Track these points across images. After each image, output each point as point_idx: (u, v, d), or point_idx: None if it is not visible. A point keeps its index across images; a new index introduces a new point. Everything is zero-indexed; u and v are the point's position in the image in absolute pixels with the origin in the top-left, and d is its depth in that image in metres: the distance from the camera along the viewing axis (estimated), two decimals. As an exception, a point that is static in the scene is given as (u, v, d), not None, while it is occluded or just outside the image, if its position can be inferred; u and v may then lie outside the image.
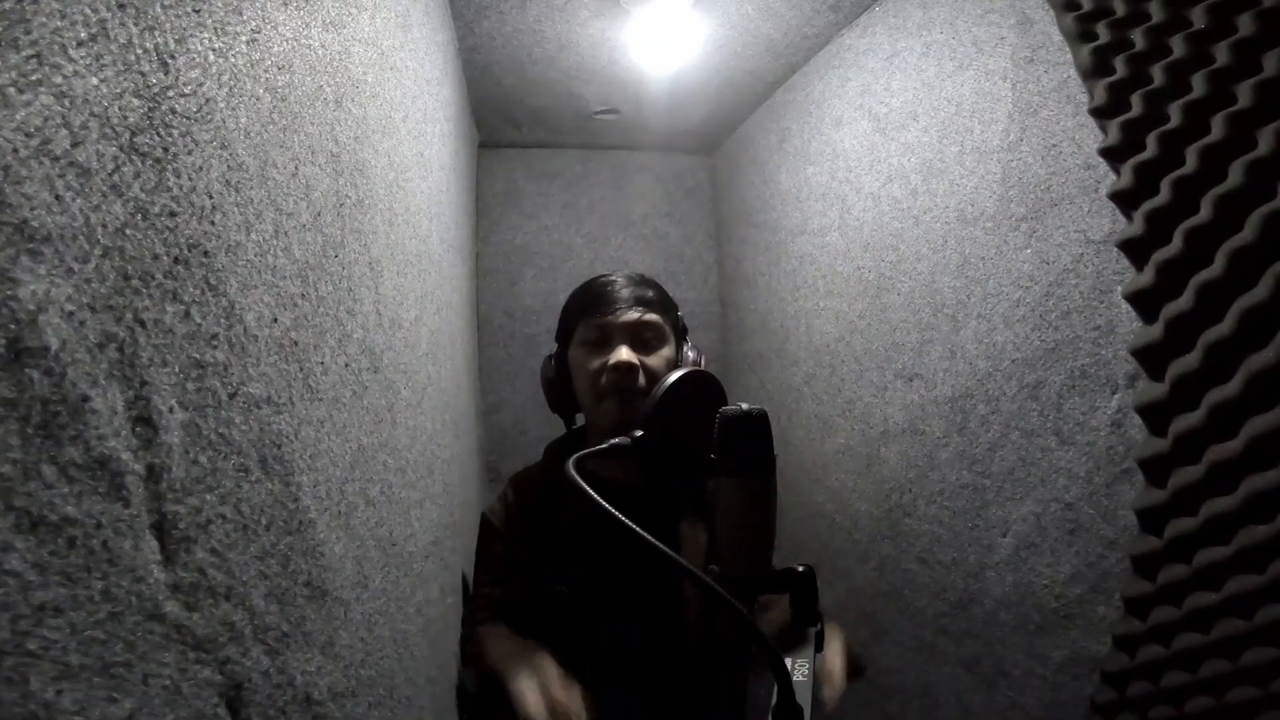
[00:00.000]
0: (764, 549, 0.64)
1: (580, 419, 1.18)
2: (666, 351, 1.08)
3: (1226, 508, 0.76)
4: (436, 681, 0.82)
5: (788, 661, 0.65)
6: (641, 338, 1.05)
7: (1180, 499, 0.81)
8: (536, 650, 0.92)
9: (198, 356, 0.35)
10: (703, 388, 0.74)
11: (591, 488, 0.90)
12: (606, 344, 1.05)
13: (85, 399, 0.27)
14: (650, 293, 1.10)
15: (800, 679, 0.63)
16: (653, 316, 1.07)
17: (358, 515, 0.59)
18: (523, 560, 1.09)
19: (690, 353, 1.13)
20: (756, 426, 0.61)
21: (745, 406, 0.62)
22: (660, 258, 2.43)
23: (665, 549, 0.55)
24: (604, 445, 0.69)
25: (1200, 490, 0.79)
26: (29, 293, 0.24)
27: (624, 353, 1.02)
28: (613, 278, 1.11)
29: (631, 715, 0.98)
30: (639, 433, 0.68)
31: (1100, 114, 0.91)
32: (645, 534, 0.55)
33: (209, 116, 0.37)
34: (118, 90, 0.29)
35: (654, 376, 1.03)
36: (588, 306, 1.08)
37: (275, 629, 0.40)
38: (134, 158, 0.30)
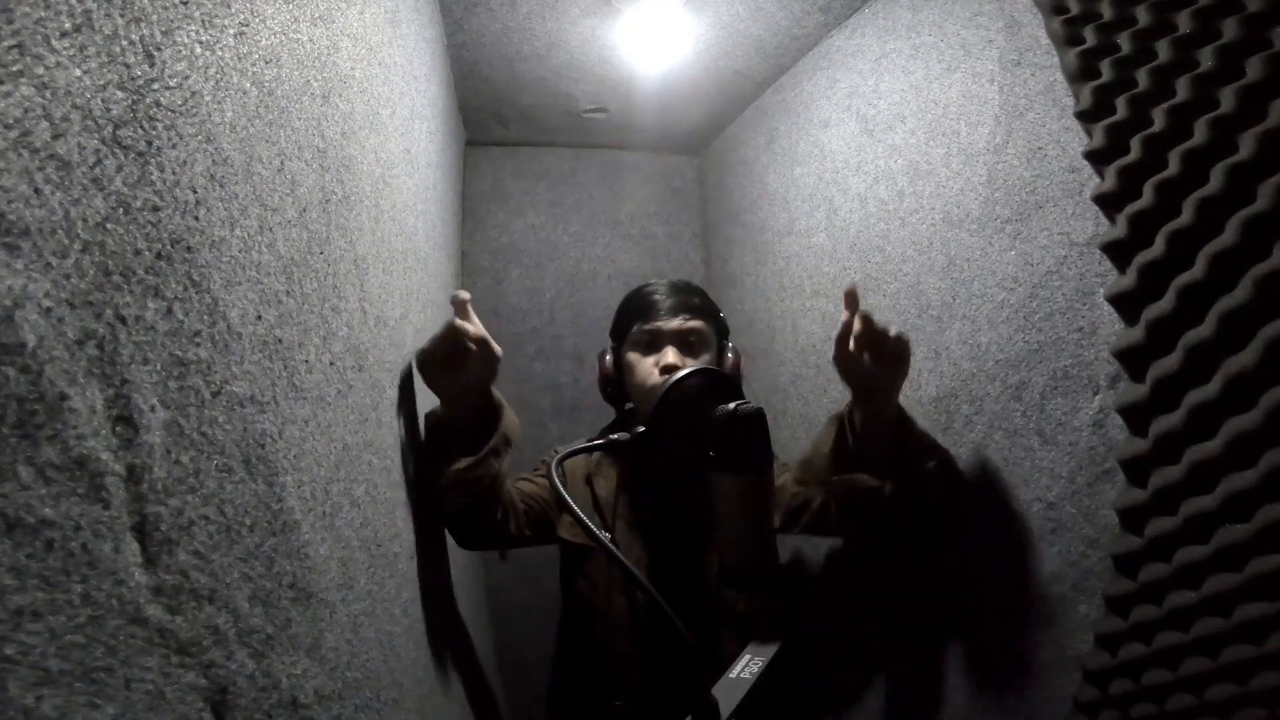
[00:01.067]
0: (762, 543, 0.64)
1: (628, 407, 1.31)
2: (708, 355, 1.22)
3: (1206, 507, 0.77)
4: (423, 683, 0.82)
5: (746, 655, 0.66)
6: (687, 342, 1.20)
7: (1160, 498, 0.82)
8: None
9: (180, 354, 0.34)
10: (714, 386, 0.75)
11: (635, 471, 1.18)
12: (656, 347, 1.20)
13: (63, 397, 0.26)
14: (695, 300, 1.25)
15: (744, 676, 0.64)
16: (697, 323, 1.22)
17: (342, 516, 0.58)
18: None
19: (730, 355, 1.27)
20: (753, 424, 0.61)
21: (742, 405, 0.62)
22: (647, 257, 2.43)
23: (614, 549, 0.57)
24: (598, 440, 0.69)
25: (1180, 490, 0.80)
26: (5, 288, 0.24)
27: (670, 355, 1.17)
28: (661, 287, 1.26)
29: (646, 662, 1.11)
30: (641, 429, 0.68)
31: (1085, 117, 0.92)
32: (601, 534, 0.57)
33: (194, 110, 0.36)
34: (101, 82, 0.29)
35: None
36: (640, 313, 1.23)
37: (260, 632, 0.40)
38: (116, 151, 0.30)
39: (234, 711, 0.36)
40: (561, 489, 0.59)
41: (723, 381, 0.77)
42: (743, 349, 2.14)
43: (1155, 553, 0.83)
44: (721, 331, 1.28)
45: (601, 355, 1.31)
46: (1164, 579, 0.82)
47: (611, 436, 0.70)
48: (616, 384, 1.27)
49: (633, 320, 1.24)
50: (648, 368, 1.18)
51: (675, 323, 1.20)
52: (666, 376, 1.11)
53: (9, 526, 0.23)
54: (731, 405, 0.62)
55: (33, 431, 0.25)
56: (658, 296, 1.23)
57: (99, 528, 0.28)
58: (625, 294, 1.33)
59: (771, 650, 0.68)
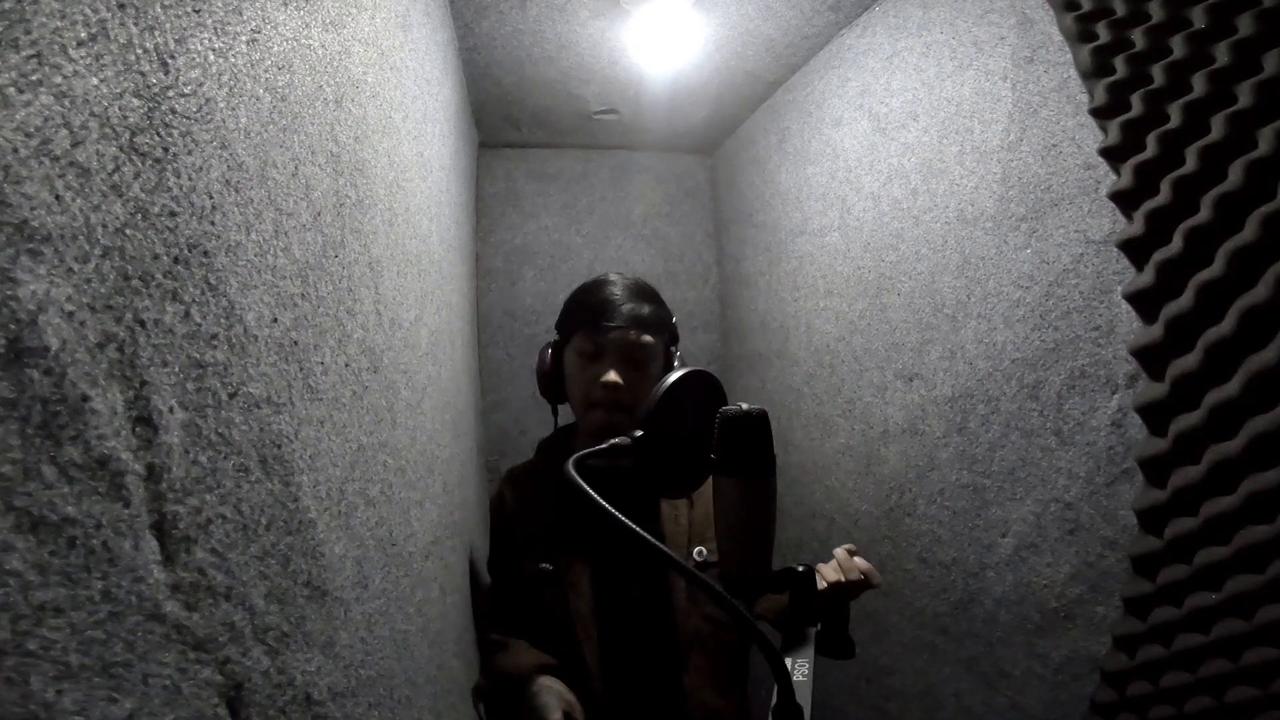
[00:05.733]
0: (763, 549, 0.64)
1: (565, 408, 1.26)
2: (655, 369, 1.14)
3: (1226, 508, 0.76)
4: (436, 681, 0.82)
5: (788, 661, 0.65)
6: (632, 358, 1.11)
7: (1180, 499, 0.81)
8: (548, 667, 1.06)
9: (198, 356, 0.35)
10: (704, 388, 0.75)
11: (583, 477, 0.98)
12: (599, 359, 1.12)
13: (85, 399, 0.27)
14: (646, 310, 1.14)
15: (800, 679, 0.63)
16: (646, 338, 1.12)
17: (358, 515, 0.59)
18: (516, 541, 1.20)
19: (677, 362, 1.19)
20: (756, 427, 0.61)
21: (745, 406, 0.61)
22: (660, 258, 2.43)
23: (667, 550, 0.55)
24: (604, 445, 0.69)
25: (1200, 490, 0.79)
26: (29, 293, 0.24)
27: (612, 375, 1.09)
28: (614, 290, 1.15)
29: (624, 690, 1.10)
30: (639, 433, 0.68)
31: (1100, 114, 0.91)
32: (647, 535, 0.55)
33: (209, 116, 0.37)
34: (118, 90, 0.29)
35: (638, 394, 1.10)
36: (586, 318, 1.13)
37: (275, 629, 0.40)
38: (134, 158, 0.30)
39: (249, 707, 0.37)
40: (585, 486, 0.58)
41: (714, 386, 0.76)
42: (756, 350, 2.14)
43: (1175, 554, 0.82)
44: (671, 339, 1.21)
45: (544, 349, 1.24)
46: (1184, 580, 0.81)
47: (613, 441, 0.69)
48: (554, 382, 1.21)
49: (580, 323, 1.15)
50: (587, 380, 1.12)
51: (623, 336, 1.11)
52: (604, 385, 1.10)
53: (33, 524, 0.24)
54: (734, 407, 0.62)
55: (56, 432, 0.25)
56: (607, 303, 1.13)
57: (119, 526, 0.28)
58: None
59: (809, 652, 0.67)
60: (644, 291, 1.18)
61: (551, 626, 1.12)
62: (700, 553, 1.12)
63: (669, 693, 1.09)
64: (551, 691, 0.99)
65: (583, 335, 1.14)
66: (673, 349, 1.21)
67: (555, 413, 1.30)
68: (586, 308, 1.15)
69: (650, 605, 1.12)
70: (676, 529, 1.16)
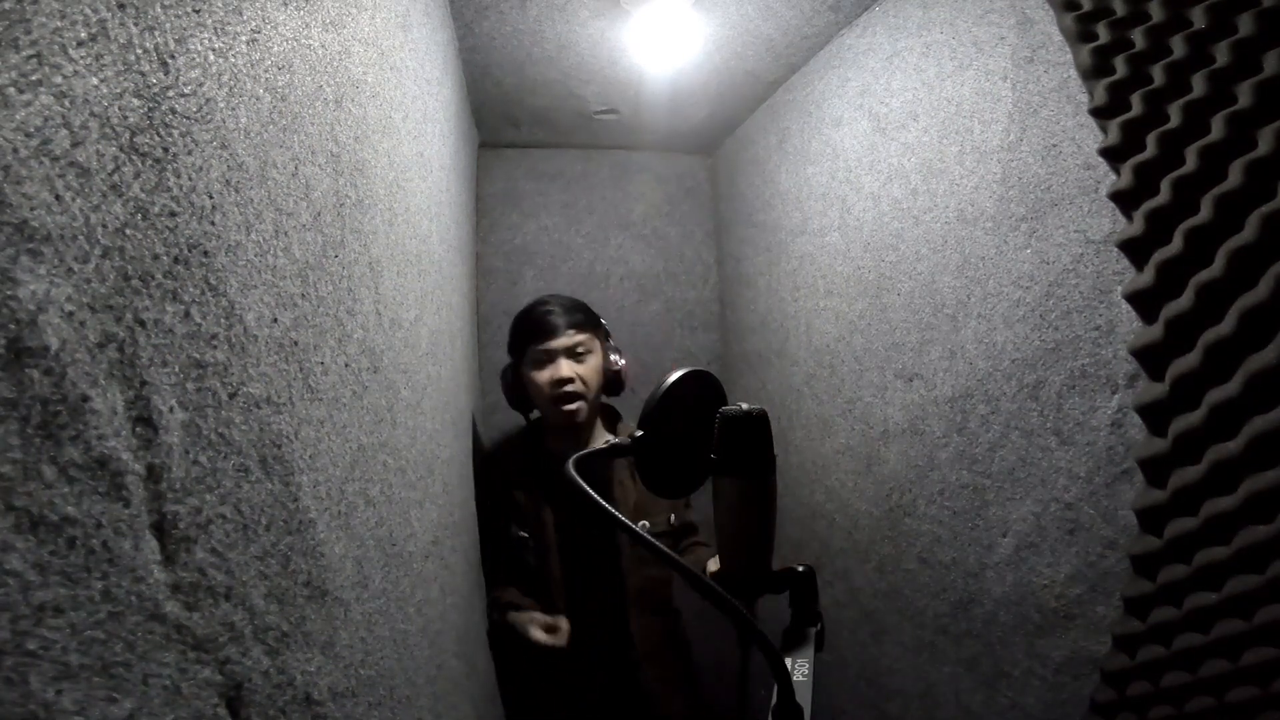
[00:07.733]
0: (763, 549, 0.64)
1: (536, 413, 1.57)
2: (594, 359, 1.46)
3: (1226, 508, 0.76)
4: (436, 681, 0.82)
5: (788, 661, 0.65)
6: (575, 353, 1.43)
7: (1180, 499, 0.81)
8: (528, 605, 1.38)
9: (198, 356, 0.35)
10: (704, 388, 0.74)
11: (531, 456, 1.45)
12: (550, 361, 1.42)
13: (85, 399, 0.27)
14: (580, 316, 1.46)
15: (800, 679, 0.63)
16: (583, 336, 1.44)
17: (358, 515, 0.59)
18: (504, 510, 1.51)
19: (613, 355, 1.52)
20: (756, 427, 0.61)
21: (745, 406, 0.61)
22: (660, 258, 2.43)
23: (664, 548, 0.55)
24: (603, 446, 0.69)
25: (1200, 490, 0.79)
26: (29, 293, 0.24)
27: (564, 368, 1.41)
28: (550, 307, 1.45)
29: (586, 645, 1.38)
30: (639, 433, 0.68)
31: (1100, 114, 0.91)
32: (645, 534, 0.55)
33: (209, 116, 0.37)
34: (118, 90, 0.29)
35: (586, 381, 1.43)
36: (533, 335, 1.43)
37: (275, 629, 0.40)
38: (134, 158, 0.30)
39: (248, 707, 0.37)
40: (583, 483, 0.59)
41: (713, 386, 0.76)
42: (756, 350, 2.15)
43: (1175, 554, 0.82)
44: (604, 336, 1.52)
45: (504, 371, 1.54)
46: (1184, 580, 0.81)
47: (614, 441, 0.70)
48: (520, 395, 1.50)
49: (527, 341, 1.43)
50: (544, 381, 1.41)
51: (563, 340, 1.41)
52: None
53: (33, 524, 0.24)
54: (734, 407, 0.62)
55: (56, 432, 0.25)
56: (547, 318, 1.42)
57: (119, 526, 0.28)
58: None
59: (809, 652, 0.67)
60: (573, 303, 1.49)
61: (534, 580, 1.42)
62: (644, 526, 1.41)
63: (620, 633, 1.43)
64: (535, 618, 1.32)
65: (533, 349, 1.42)
66: (609, 341, 1.54)
67: (527, 419, 1.60)
68: (532, 327, 1.43)
69: (603, 566, 1.44)
70: (625, 507, 1.42)
